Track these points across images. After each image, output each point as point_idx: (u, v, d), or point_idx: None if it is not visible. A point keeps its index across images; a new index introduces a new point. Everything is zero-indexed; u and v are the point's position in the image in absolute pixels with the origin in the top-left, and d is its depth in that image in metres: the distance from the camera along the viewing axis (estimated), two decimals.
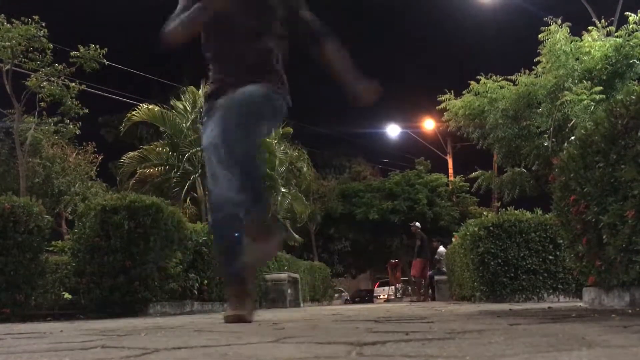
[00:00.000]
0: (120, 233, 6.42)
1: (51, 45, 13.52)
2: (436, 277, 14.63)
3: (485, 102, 15.13)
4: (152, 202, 6.75)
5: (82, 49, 13.59)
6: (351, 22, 57.50)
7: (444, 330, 2.19)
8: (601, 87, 12.42)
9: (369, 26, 57.61)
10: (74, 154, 19.06)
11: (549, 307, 4.63)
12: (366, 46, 58.33)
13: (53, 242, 10.63)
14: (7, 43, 12.77)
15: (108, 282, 6.33)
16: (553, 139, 13.63)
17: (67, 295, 8.46)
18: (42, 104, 14.40)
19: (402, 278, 25.43)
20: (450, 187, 32.03)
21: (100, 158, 20.57)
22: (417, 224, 16.40)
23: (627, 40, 12.79)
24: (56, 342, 2.29)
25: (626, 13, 13.10)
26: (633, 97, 3.46)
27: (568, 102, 12.58)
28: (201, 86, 18.20)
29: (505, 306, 5.65)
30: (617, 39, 12.95)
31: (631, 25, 12.84)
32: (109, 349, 1.90)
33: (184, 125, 16.93)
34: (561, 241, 7.08)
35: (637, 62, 12.79)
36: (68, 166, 18.24)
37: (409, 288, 21.14)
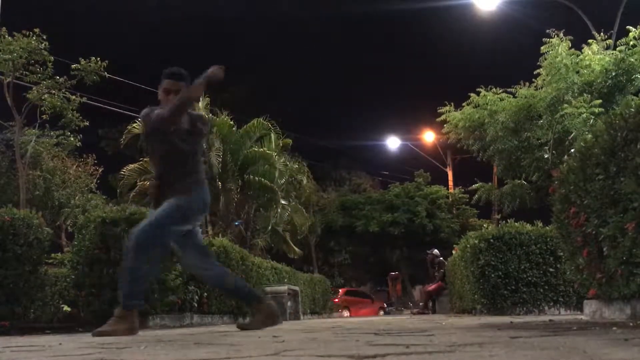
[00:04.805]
0: (120, 245, 6.38)
1: (52, 58, 13.57)
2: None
3: (485, 114, 15.14)
4: None
5: (83, 62, 13.63)
6: (352, 35, 57.81)
7: (445, 343, 2.18)
8: (600, 100, 12.42)
9: (369, 39, 57.88)
10: (74, 166, 19.08)
11: (550, 320, 4.61)
12: (367, 59, 58.56)
13: (52, 255, 10.62)
14: (9, 56, 12.82)
15: (107, 294, 6.30)
16: (553, 151, 13.62)
17: (66, 308, 8.43)
18: (43, 116, 14.42)
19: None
20: (450, 199, 31.99)
21: (100, 170, 20.58)
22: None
23: (628, 55, 12.80)
24: (55, 356, 2.28)
25: (627, 27, 13.12)
26: (632, 110, 3.47)
27: (568, 114, 12.59)
28: (200, 98, 18.24)
29: (506, 319, 5.63)
30: (618, 53, 12.97)
31: (631, 41, 12.85)
32: None
33: None
34: (562, 253, 7.08)
35: (639, 77, 12.79)
36: (68, 178, 18.25)
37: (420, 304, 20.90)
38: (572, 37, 13.63)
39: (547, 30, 13.76)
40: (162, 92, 4.06)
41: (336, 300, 26.14)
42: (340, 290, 27.90)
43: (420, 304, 16.09)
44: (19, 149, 14.32)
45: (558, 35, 13.59)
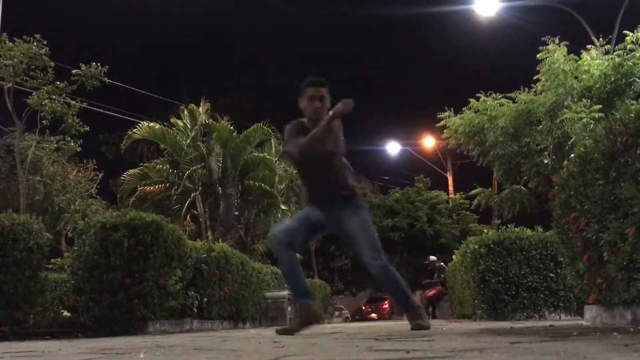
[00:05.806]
0: (120, 250, 6.39)
1: (53, 64, 13.56)
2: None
3: (485, 119, 15.14)
4: (152, 220, 6.73)
5: (83, 67, 13.63)
6: (352, 40, 57.91)
7: (445, 348, 2.18)
8: (600, 106, 12.42)
9: (370, 44, 58.02)
10: (75, 172, 19.07)
11: (551, 325, 4.61)
12: (367, 64, 58.67)
13: (52, 260, 10.62)
14: (9, 61, 12.82)
15: (107, 300, 6.29)
16: (553, 157, 13.63)
17: (66, 313, 8.41)
18: (44, 121, 14.41)
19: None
20: (450, 204, 31.98)
21: (100, 175, 20.59)
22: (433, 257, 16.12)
23: (626, 59, 12.81)
24: None
25: (624, 32, 13.15)
26: (632, 115, 3.47)
27: (568, 120, 12.59)
28: (201, 104, 18.26)
29: (506, 324, 5.62)
30: (616, 58, 12.99)
31: (629, 45, 12.87)
32: None
33: (184, 142, 16.95)
34: (562, 259, 7.07)
35: (638, 81, 12.80)
36: (68, 184, 18.25)
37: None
38: (567, 43, 13.65)
39: (543, 38, 13.78)
40: (307, 100, 4.34)
41: (386, 307, 26.88)
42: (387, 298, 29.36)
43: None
44: (19, 154, 14.30)
45: (554, 42, 13.61)
